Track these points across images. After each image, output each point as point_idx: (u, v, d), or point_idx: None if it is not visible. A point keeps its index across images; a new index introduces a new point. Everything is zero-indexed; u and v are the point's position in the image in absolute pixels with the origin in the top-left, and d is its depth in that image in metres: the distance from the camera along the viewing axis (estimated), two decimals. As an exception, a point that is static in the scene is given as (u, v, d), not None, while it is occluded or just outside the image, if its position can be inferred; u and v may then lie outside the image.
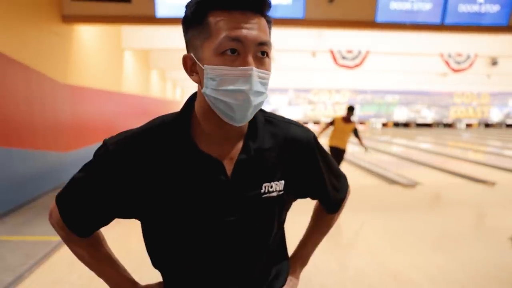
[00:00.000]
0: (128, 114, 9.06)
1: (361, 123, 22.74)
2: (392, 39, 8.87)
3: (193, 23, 0.71)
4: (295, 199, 0.87)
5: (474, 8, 5.75)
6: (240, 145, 0.77)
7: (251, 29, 0.68)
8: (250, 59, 0.68)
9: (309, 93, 22.18)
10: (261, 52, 0.70)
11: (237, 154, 0.77)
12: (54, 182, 5.13)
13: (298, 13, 5.47)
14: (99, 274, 0.88)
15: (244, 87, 0.68)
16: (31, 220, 3.84)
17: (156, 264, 0.84)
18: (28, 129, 4.57)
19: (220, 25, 0.68)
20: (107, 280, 0.89)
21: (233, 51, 0.68)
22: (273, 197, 0.79)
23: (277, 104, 21.61)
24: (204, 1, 0.69)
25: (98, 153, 0.78)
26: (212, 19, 0.69)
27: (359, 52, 9.09)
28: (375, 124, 22.79)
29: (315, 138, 0.87)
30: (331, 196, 0.93)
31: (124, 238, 3.03)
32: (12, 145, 4.17)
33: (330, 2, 5.52)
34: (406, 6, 5.72)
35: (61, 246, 3.17)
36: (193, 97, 0.79)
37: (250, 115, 0.72)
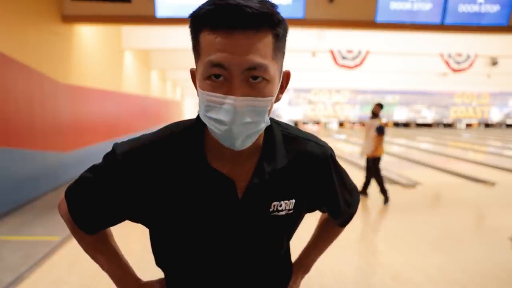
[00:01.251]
0: (128, 114, 9.06)
1: (361, 123, 22.76)
2: (392, 39, 8.87)
3: (191, 37, 0.66)
4: (306, 213, 0.85)
5: (474, 8, 5.75)
6: (253, 162, 0.74)
7: (238, 53, 0.60)
8: (235, 86, 0.61)
9: (309, 93, 22.17)
10: (252, 77, 0.62)
11: (250, 172, 0.73)
12: (54, 182, 5.13)
13: (298, 13, 5.47)
14: (103, 268, 0.88)
15: (225, 118, 0.62)
16: (31, 220, 3.84)
17: (160, 264, 0.84)
18: (28, 129, 4.57)
19: (206, 46, 0.62)
20: (110, 275, 0.89)
21: (217, 76, 0.62)
22: (281, 216, 0.76)
23: (277, 104, 21.60)
24: (197, 18, 0.63)
25: (107, 159, 0.76)
26: (202, 39, 0.63)
27: (359, 52, 9.09)
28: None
29: (331, 155, 0.83)
30: (342, 211, 0.91)
31: (124, 238, 3.02)
32: (12, 145, 4.17)
33: (330, 2, 5.52)
34: (406, 6, 5.72)
35: (61, 246, 3.17)
36: None
37: (242, 145, 0.66)
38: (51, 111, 5.19)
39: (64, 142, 5.54)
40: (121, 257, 0.89)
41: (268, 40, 0.62)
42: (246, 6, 0.59)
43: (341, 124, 22.61)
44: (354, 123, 22.73)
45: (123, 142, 0.76)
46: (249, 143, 0.67)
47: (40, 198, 4.64)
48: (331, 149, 0.84)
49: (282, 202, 0.76)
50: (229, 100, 0.61)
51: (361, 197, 5.27)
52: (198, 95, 0.68)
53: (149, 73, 11.51)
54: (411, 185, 5.88)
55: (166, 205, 0.73)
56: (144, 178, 0.73)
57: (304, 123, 22.02)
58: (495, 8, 5.76)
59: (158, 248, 0.81)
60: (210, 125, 0.65)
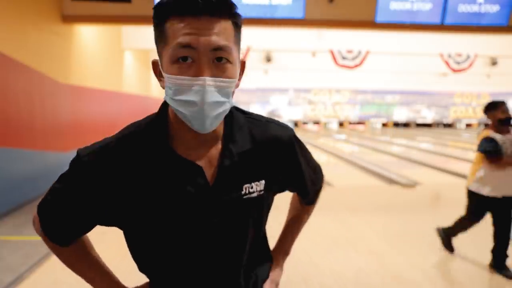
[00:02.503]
0: (128, 114, 9.06)
1: (361, 123, 22.75)
2: (392, 39, 8.87)
3: (155, 29, 0.70)
4: (275, 194, 0.88)
5: (474, 8, 5.76)
6: (218, 147, 0.76)
7: (205, 35, 0.65)
8: (204, 66, 0.65)
9: (309, 93, 22.16)
10: (217, 58, 0.66)
11: (217, 157, 0.75)
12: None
13: (298, 13, 5.47)
14: (86, 279, 0.88)
15: (195, 98, 0.66)
16: (31, 221, 3.84)
17: (142, 268, 0.84)
18: (28, 129, 4.57)
19: (173, 31, 0.66)
20: (93, 285, 0.89)
21: (185, 58, 0.65)
22: (253, 197, 0.78)
23: (277, 104, 21.61)
24: (162, 7, 0.67)
25: (72, 164, 0.76)
26: (168, 26, 0.67)
27: (359, 52, 9.09)
28: (375, 124, 22.78)
29: (294, 135, 0.87)
30: (309, 188, 0.96)
31: (122, 239, 3.03)
32: (12, 145, 4.17)
33: (330, 2, 5.52)
34: (406, 6, 5.72)
35: (61, 246, 3.17)
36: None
37: (211, 125, 0.69)
38: (51, 111, 5.19)
39: (64, 142, 5.54)
40: (102, 266, 0.89)
41: (229, 26, 0.68)
42: None
43: (341, 124, 22.61)
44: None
45: (85, 147, 0.77)
46: (216, 124, 0.70)
47: (40, 198, 4.64)
48: (292, 129, 0.87)
49: (252, 184, 0.78)
50: (199, 81, 0.65)
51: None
52: (162, 84, 0.71)
53: (149, 73, 11.51)
54: (411, 185, 5.88)
55: (138, 201, 0.73)
56: (112, 177, 0.73)
57: (304, 123, 22.01)
58: (494, 8, 5.76)
59: (136, 249, 0.81)
60: (180, 107, 0.67)
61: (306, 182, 0.93)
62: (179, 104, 0.67)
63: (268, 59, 10.56)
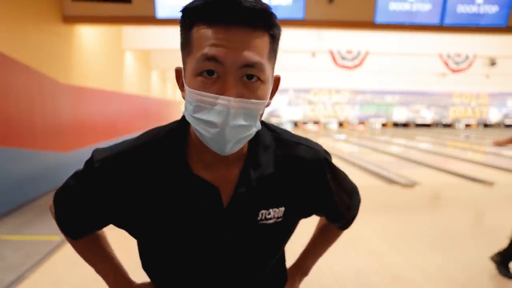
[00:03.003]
0: (128, 114, 9.07)
1: (361, 123, 22.76)
2: (391, 40, 8.89)
3: (181, 32, 0.62)
4: (300, 219, 0.80)
5: (473, 8, 5.77)
6: (238, 168, 0.70)
7: (235, 48, 0.57)
8: (230, 84, 0.57)
9: (309, 93, 22.18)
10: (247, 76, 0.58)
11: (235, 179, 0.69)
12: (54, 182, 5.13)
13: (298, 14, 5.49)
14: (96, 270, 0.89)
15: (217, 119, 0.58)
16: (31, 220, 3.85)
17: (145, 269, 0.83)
18: (29, 129, 4.58)
19: (199, 40, 0.58)
20: (102, 276, 0.90)
21: (210, 72, 0.58)
22: (269, 224, 0.72)
23: (277, 104, 21.63)
24: (190, 11, 0.60)
25: (85, 166, 0.74)
26: (194, 33, 0.59)
27: (359, 53, 9.11)
28: (374, 124, 22.80)
29: (325, 158, 0.78)
30: (342, 215, 0.88)
31: (124, 238, 3.03)
32: (13, 145, 4.18)
33: (330, 3, 5.54)
34: (405, 6, 5.74)
35: (62, 246, 3.18)
36: None
37: (231, 149, 0.62)
38: (51, 111, 5.20)
39: (64, 142, 5.55)
40: (114, 260, 0.89)
41: (265, 39, 0.60)
42: (244, 1, 0.57)
43: (340, 124, 22.62)
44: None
45: (102, 149, 0.73)
46: (238, 147, 0.63)
47: (40, 198, 4.65)
48: (326, 151, 0.79)
49: (270, 210, 0.71)
50: (223, 100, 0.57)
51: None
52: (184, 95, 0.64)
53: (149, 74, 11.51)
54: (410, 185, 5.89)
55: (148, 214, 0.70)
56: (122, 185, 0.69)
57: (304, 123, 22.02)
58: (493, 8, 5.78)
59: (144, 254, 0.80)
60: (199, 127, 0.61)
61: (338, 207, 0.84)
62: (198, 123, 0.60)
63: (268, 60, 10.56)
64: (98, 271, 0.89)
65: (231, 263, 0.73)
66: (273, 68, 0.65)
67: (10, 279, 2.58)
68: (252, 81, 0.59)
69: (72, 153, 5.73)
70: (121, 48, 8.39)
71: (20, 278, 2.61)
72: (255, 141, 0.70)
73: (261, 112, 0.63)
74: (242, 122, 0.59)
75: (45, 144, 4.98)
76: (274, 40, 0.63)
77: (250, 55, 0.58)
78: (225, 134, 0.59)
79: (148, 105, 11.28)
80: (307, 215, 0.82)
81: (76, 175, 0.77)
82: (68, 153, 5.61)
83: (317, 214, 0.86)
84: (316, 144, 0.79)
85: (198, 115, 0.60)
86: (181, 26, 0.62)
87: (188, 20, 0.60)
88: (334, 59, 9.10)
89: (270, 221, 0.72)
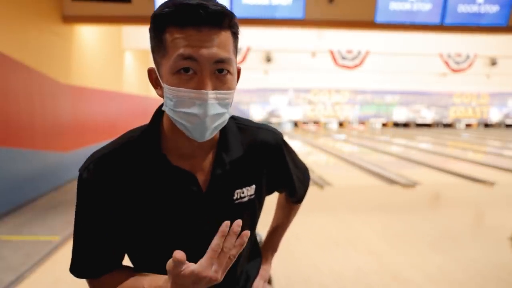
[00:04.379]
0: (128, 114, 9.07)
1: (361, 123, 22.75)
2: (391, 39, 8.88)
3: (153, 36, 0.69)
4: (265, 195, 0.92)
5: (474, 8, 5.77)
6: (211, 155, 0.78)
7: (207, 47, 0.65)
8: (207, 79, 0.66)
9: (309, 93, 22.17)
10: (218, 70, 0.67)
11: (209, 165, 0.78)
12: (54, 182, 5.13)
13: (298, 13, 5.48)
14: None
15: (198, 111, 0.66)
16: (31, 220, 3.85)
17: (133, 261, 0.84)
18: (29, 129, 4.58)
19: (174, 43, 0.65)
20: None
21: (187, 69, 0.65)
22: (244, 202, 0.82)
23: (277, 104, 21.63)
24: (161, 17, 0.66)
25: (79, 186, 0.77)
26: (168, 36, 0.66)
27: (359, 52, 9.10)
28: (374, 124, 22.79)
29: (282, 139, 0.91)
30: (297, 189, 1.00)
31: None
32: (12, 145, 4.18)
33: (330, 2, 5.53)
34: (406, 6, 5.73)
35: (62, 246, 3.18)
36: (160, 109, 0.78)
37: (209, 135, 0.71)
38: (51, 111, 5.19)
39: (64, 142, 5.54)
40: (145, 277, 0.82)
41: (229, 37, 0.68)
42: (209, 6, 0.64)
43: (340, 124, 22.61)
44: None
45: (84, 164, 0.77)
46: (215, 133, 0.72)
47: (40, 198, 4.65)
48: (281, 134, 0.91)
49: (244, 189, 0.81)
50: (202, 94, 0.65)
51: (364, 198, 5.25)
52: (159, 93, 0.71)
53: (149, 73, 11.51)
54: (411, 185, 5.88)
55: (135, 209, 0.75)
56: (110, 187, 0.73)
57: (304, 123, 22.02)
58: (494, 8, 5.77)
59: (132, 252, 0.82)
60: (181, 119, 0.68)
61: (295, 182, 0.97)
62: (180, 116, 0.68)
63: (268, 59, 10.56)
64: None
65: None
66: (236, 61, 0.74)
67: (10, 279, 2.58)
68: (223, 74, 0.68)
69: (72, 153, 5.73)
70: (121, 48, 8.39)
71: (20, 278, 2.61)
72: (224, 129, 0.78)
73: (231, 100, 0.72)
74: (218, 110, 0.68)
75: (45, 144, 4.98)
76: (236, 37, 0.71)
77: (221, 52, 0.66)
78: (206, 123, 0.68)
79: (148, 105, 11.28)
80: (271, 191, 0.93)
81: (77, 209, 0.78)
82: (67, 153, 5.61)
83: (278, 190, 0.99)
84: (273, 127, 0.91)
85: (179, 109, 0.67)
86: (152, 31, 0.69)
87: (160, 25, 0.67)
88: (334, 59, 9.09)
89: (245, 199, 0.82)
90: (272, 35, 8.34)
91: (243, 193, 0.81)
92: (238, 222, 0.67)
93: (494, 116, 23.83)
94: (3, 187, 3.98)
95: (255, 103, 20.73)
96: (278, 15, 5.43)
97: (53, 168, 5.15)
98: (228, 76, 0.69)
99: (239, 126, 0.84)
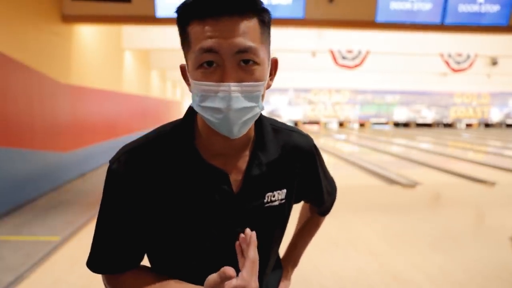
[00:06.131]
0: (128, 114, 9.06)
1: (361, 123, 22.74)
2: (392, 39, 8.87)
3: (179, 32, 0.68)
4: (294, 203, 0.87)
5: (474, 8, 5.76)
6: (246, 154, 0.75)
7: (227, 37, 0.62)
8: (229, 71, 0.63)
9: (309, 93, 22.16)
10: (243, 61, 0.63)
11: (244, 164, 0.74)
12: (54, 182, 5.13)
13: (298, 13, 5.47)
14: None
15: (221, 105, 0.63)
16: (31, 220, 3.85)
17: (154, 261, 0.81)
18: (28, 129, 4.57)
19: (195, 36, 0.64)
20: None
21: (210, 63, 0.63)
22: (275, 206, 0.78)
23: (277, 104, 21.61)
24: (183, 11, 0.65)
25: (107, 177, 0.75)
26: (190, 30, 0.65)
27: (359, 52, 9.09)
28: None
29: (314, 145, 0.87)
30: (325, 199, 0.95)
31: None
32: (12, 145, 4.17)
33: (330, 2, 5.52)
34: (406, 6, 5.72)
35: (62, 246, 3.17)
36: None
37: (239, 131, 0.67)
38: (51, 111, 5.19)
39: (64, 142, 5.54)
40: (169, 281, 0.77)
41: (254, 24, 0.64)
42: None
43: (341, 124, 22.60)
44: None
45: (115, 156, 0.74)
46: (245, 129, 0.68)
47: (40, 198, 4.65)
48: (312, 139, 0.88)
49: (275, 193, 0.77)
50: (223, 87, 0.63)
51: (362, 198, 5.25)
52: (190, 90, 0.70)
53: (149, 73, 11.50)
54: (411, 185, 5.88)
55: (163, 205, 0.72)
56: (139, 178, 0.71)
57: (304, 123, 22.00)
58: (495, 8, 5.76)
59: (154, 251, 0.78)
60: (207, 114, 0.66)
61: (323, 191, 0.92)
62: (206, 111, 0.66)
63: (268, 59, 10.54)
64: None
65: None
66: (268, 51, 0.70)
67: (9, 279, 2.58)
68: (249, 64, 0.64)
69: (71, 153, 5.73)
70: (121, 47, 8.38)
71: (20, 278, 2.60)
72: (260, 128, 0.76)
73: (262, 93, 0.68)
74: (244, 104, 0.64)
75: (45, 144, 4.97)
76: (264, 23, 0.67)
77: (242, 41, 0.63)
78: (230, 117, 0.64)
79: (147, 105, 11.27)
80: (299, 199, 0.89)
81: (102, 203, 0.75)
82: (67, 153, 5.60)
83: (305, 199, 0.95)
84: (305, 132, 0.87)
85: (204, 104, 0.65)
86: (178, 26, 0.68)
87: (183, 19, 0.66)
88: (334, 58, 9.08)
89: (275, 203, 0.77)
90: (272, 34, 8.31)
91: (273, 196, 0.77)
92: (252, 234, 0.66)
93: (495, 116, 23.81)
94: (3, 187, 3.98)
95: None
96: (278, 14, 5.42)
97: (53, 168, 5.15)
98: (255, 66, 0.65)
99: (273, 127, 0.80)
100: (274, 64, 0.74)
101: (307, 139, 0.86)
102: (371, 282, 2.65)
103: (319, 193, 0.92)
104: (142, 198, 0.72)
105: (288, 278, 1.01)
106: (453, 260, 3.04)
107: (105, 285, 0.79)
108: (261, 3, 0.66)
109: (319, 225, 1.05)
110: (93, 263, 0.77)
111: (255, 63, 0.65)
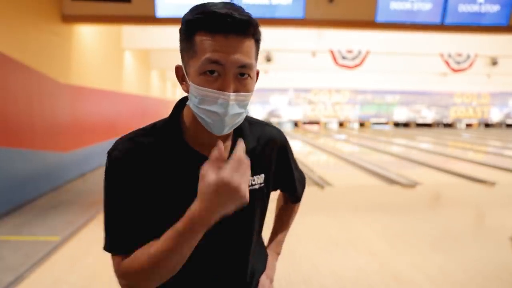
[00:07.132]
0: (128, 114, 9.06)
1: (361, 123, 22.74)
2: (392, 39, 8.87)
3: (183, 38, 0.76)
4: (270, 191, 0.97)
5: (474, 8, 5.75)
6: (228, 144, 0.85)
7: (233, 53, 0.72)
8: (230, 82, 0.73)
9: (309, 93, 22.15)
10: (240, 74, 0.74)
11: (227, 153, 0.82)
12: (54, 182, 5.13)
13: (298, 13, 5.47)
14: (179, 249, 0.73)
15: (219, 110, 0.74)
16: (31, 220, 3.84)
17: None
18: (28, 129, 4.57)
19: (203, 46, 0.72)
20: (185, 237, 0.72)
21: (212, 71, 0.72)
22: (256, 189, 0.88)
23: (277, 104, 21.60)
24: (192, 22, 0.73)
25: (107, 165, 0.80)
26: (198, 39, 0.73)
27: (359, 52, 9.09)
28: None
29: (286, 139, 1.00)
30: (297, 187, 1.07)
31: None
32: (12, 145, 4.17)
33: (330, 2, 5.52)
34: (406, 6, 5.72)
35: (62, 246, 3.17)
36: (181, 102, 0.86)
37: (227, 130, 0.78)
38: (51, 111, 5.19)
39: (64, 142, 5.54)
40: (167, 236, 0.75)
41: (252, 44, 0.75)
42: (236, 15, 0.71)
43: (341, 124, 22.60)
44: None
45: (113, 146, 0.81)
46: (232, 129, 0.80)
47: (40, 198, 4.64)
48: (283, 132, 1.01)
49: (255, 177, 0.88)
50: (224, 96, 0.73)
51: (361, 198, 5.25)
52: (185, 89, 0.80)
53: (149, 73, 11.51)
54: (411, 185, 5.88)
55: (155, 192, 0.79)
56: (137, 163, 0.79)
57: (304, 123, 22.00)
58: (495, 8, 5.76)
59: (148, 237, 0.80)
60: (203, 115, 0.76)
61: (295, 180, 1.04)
62: (203, 112, 0.76)
63: (268, 59, 10.55)
64: (177, 251, 0.73)
65: (228, 232, 0.84)
66: (256, 66, 0.81)
67: (9, 279, 2.58)
68: (244, 77, 0.75)
69: (71, 153, 5.73)
70: (121, 47, 8.38)
71: (19, 278, 2.60)
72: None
73: (249, 101, 0.80)
74: (237, 110, 0.76)
75: (45, 144, 4.97)
76: (258, 43, 0.78)
77: (244, 58, 0.74)
78: (225, 121, 0.75)
79: (147, 105, 11.28)
80: (274, 187, 0.99)
81: (106, 188, 0.81)
82: (67, 153, 5.60)
83: (280, 187, 1.04)
84: (276, 126, 1.00)
85: (203, 106, 0.75)
86: (183, 33, 0.76)
87: (192, 29, 0.74)
88: (334, 58, 9.08)
89: (256, 186, 0.88)
90: (272, 34, 8.33)
91: (253, 181, 0.88)
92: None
93: (495, 116, 23.80)
94: (3, 187, 3.98)
95: (255, 103, 20.72)
96: (278, 14, 5.42)
97: (53, 168, 5.14)
98: (249, 79, 0.76)
99: (248, 121, 0.91)
100: (257, 75, 0.84)
101: (279, 132, 0.99)
102: (371, 282, 2.65)
103: (291, 181, 1.04)
104: (141, 182, 0.79)
105: (273, 263, 1.08)
106: (453, 260, 3.04)
107: (116, 272, 0.79)
108: (259, 26, 0.76)
109: (296, 211, 1.16)
110: (111, 245, 0.81)
111: (249, 76, 0.76)
